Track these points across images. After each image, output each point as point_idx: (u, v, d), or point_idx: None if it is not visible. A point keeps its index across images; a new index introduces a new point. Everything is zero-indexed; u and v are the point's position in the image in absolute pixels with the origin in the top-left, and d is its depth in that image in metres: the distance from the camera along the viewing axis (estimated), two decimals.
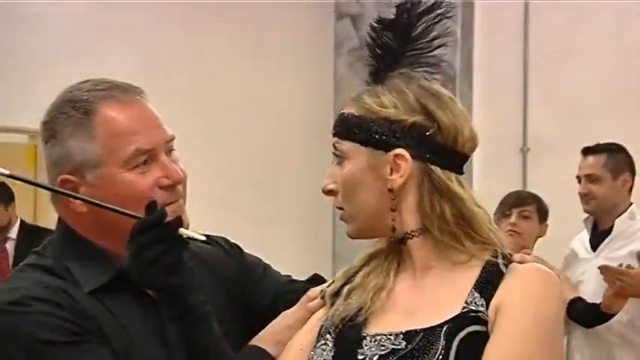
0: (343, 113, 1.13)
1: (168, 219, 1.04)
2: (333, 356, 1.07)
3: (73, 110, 1.11)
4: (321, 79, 5.02)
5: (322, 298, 1.15)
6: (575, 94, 4.68)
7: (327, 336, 1.09)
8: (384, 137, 1.09)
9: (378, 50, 1.13)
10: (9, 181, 3.63)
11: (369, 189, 1.09)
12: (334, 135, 1.13)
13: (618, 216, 2.88)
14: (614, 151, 2.93)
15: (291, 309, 1.17)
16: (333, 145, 1.13)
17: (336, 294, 1.13)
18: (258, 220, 4.84)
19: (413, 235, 1.08)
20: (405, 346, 1.02)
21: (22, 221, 4.35)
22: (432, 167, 1.08)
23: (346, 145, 1.11)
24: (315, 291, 1.17)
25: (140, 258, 1.02)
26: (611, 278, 2.67)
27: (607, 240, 2.89)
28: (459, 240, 1.07)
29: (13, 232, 4.32)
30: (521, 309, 1.03)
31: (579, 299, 2.79)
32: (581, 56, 4.76)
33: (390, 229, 1.09)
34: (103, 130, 1.10)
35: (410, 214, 1.08)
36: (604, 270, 2.70)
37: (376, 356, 1.03)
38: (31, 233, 4.12)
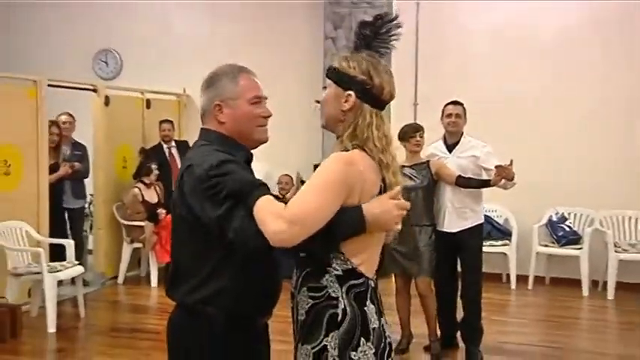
0: (332, 65, 2.15)
1: (260, 136, 2.25)
2: None
3: (227, 72, 2.24)
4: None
5: None
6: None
7: None
8: (344, 81, 2.10)
9: (359, 37, 2.16)
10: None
11: (332, 105, 2.13)
12: (326, 76, 2.16)
13: (460, 136, 5.05)
14: (462, 104, 5.09)
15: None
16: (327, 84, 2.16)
17: None
18: None
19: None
20: None
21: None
22: (365, 105, 2.09)
23: (328, 81, 2.15)
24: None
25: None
26: (499, 170, 4.66)
27: (457, 148, 5.02)
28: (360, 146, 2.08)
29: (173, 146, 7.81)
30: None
31: (459, 176, 4.86)
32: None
33: (338, 131, 2.13)
34: (241, 83, 2.22)
35: (347, 127, 2.10)
36: (498, 167, 4.68)
37: None
38: (179, 143, 7.76)
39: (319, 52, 7.68)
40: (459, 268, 5.19)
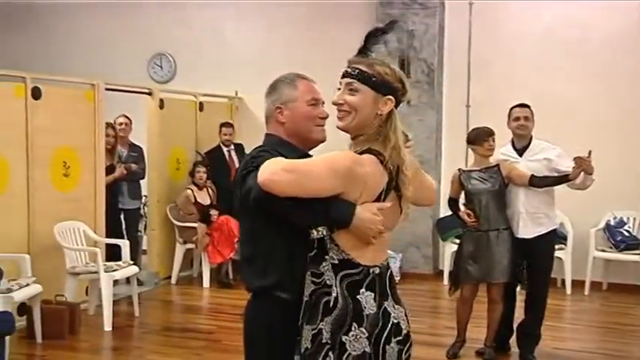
0: (359, 67, 2.22)
1: (318, 135, 2.41)
2: None
3: (285, 78, 2.43)
4: None
5: None
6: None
7: None
8: (385, 88, 2.19)
9: (372, 39, 2.30)
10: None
11: (369, 109, 2.19)
12: (348, 77, 2.22)
13: (530, 139, 4.94)
14: (529, 106, 4.96)
15: None
16: (347, 84, 2.22)
17: None
18: None
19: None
20: None
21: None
22: (394, 110, 2.21)
23: (356, 84, 2.20)
24: None
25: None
26: (578, 162, 4.50)
27: (527, 151, 4.91)
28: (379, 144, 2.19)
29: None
30: None
31: (533, 175, 4.74)
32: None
33: (358, 133, 2.22)
34: (299, 87, 2.40)
35: (372, 130, 2.20)
36: (576, 158, 4.51)
37: None
38: (236, 146, 7.82)
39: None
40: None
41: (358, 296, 2.14)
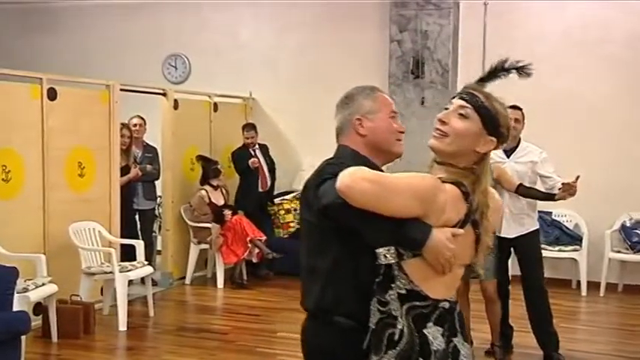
0: (478, 95, 2.07)
1: (398, 148, 2.31)
2: None
3: (363, 90, 2.33)
4: None
5: None
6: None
7: None
8: (493, 127, 2.04)
9: (496, 72, 2.16)
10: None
11: (469, 141, 2.04)
12: (463, 100, 2.07)
13: (518, 141, 5.01)
14: (521, 109, 4.98)
15: None
16: (460, 106, 2.06)
17: None
18: None
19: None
20: None
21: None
22: (489, 154, 2.08)
23: (472, 112, 2.05)
24: None
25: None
26: (566, 187, 4.68)
27: (515, 153, 4.98)
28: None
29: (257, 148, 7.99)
30: None
31: (521, 184, 4.84)
32: None
33: (447, 160, 2.05)
34: (379, 99, 2.32)
35: (464, 164, 2.04)
36: (565, 184, 4.69)
37: None
38: (261, 146, 8.04)
39: (385, 55, 7.65)
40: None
41: (425, 330, 2.00)
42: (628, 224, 7.13)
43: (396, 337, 1.99)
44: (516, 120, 4.93)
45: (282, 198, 8.16)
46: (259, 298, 6.95)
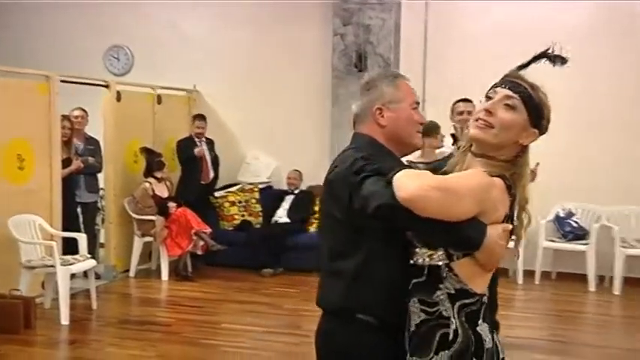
0: (524, 85, 1.99)
1: (417, 140, 2.23)
2: None
3: (385, 76, 2.21)
4: None
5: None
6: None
7: None
8: (538, 118, 1.97)
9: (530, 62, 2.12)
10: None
11: (514, 133, 1.95)
12: (510, 90, 1.98)
13: None
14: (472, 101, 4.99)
15: None
16: (506, 96, 1.97)
17: None
18: None
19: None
20: None
21: None
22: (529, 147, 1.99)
23: (519, 103, 1.96)
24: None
25: None
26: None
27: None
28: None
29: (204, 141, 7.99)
30: None
31: None
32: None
33: (509, 156, 1.98)
34: (402, 88, 2.19)
35: (505, 156, 1.97)
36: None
37: None
38: (208, 140, 8.05)
39: (328, 49, 7.73)
40: None
41: (478, 328, 1.95)
42: (561, 214, 7.41)
43: (451, 337, 1.92)
44: (469, 112, 5.00)
45: (226, 190, 8.19)
46: (203, 290, 6.96)
